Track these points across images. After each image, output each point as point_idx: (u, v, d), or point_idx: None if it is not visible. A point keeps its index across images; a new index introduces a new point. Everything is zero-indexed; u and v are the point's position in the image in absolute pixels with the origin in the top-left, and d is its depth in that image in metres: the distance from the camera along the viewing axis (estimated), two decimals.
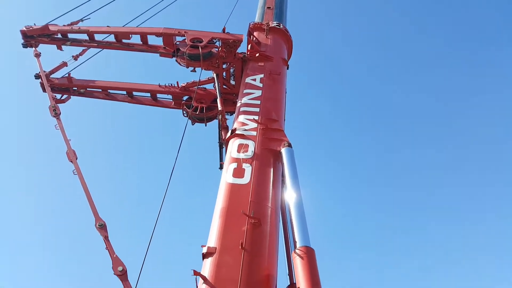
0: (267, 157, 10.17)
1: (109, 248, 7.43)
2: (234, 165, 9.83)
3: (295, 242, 8.23)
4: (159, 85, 15.21)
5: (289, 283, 9.13)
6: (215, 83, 13.91)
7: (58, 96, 14.80)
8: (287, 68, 14.17)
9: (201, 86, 14.74)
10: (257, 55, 13.40)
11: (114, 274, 7.13)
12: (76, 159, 10.26)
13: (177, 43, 14.12)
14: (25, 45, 14.96)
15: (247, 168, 9.62)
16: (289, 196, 9.00)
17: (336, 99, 49.17)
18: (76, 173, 9.75)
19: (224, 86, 14.53)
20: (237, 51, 13.77)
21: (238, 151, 10.11)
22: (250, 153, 9.98)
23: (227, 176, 9.63)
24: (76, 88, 15.38)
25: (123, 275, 7.10)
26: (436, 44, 48.33)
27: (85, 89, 15.49)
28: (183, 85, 14.86)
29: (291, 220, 8.66)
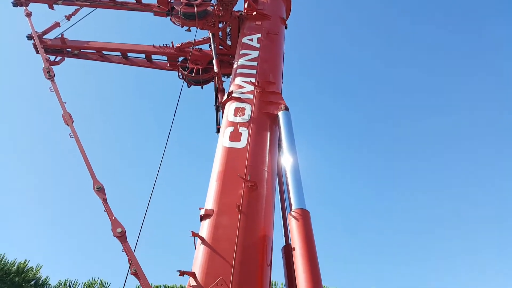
0: (264, 120, 10.12)
1: (108, 210, 7.54)
2: (231, 129, 9.80)
3: (290, 204, 8.37)
4: (154, 46, 14.86)
5: (284, 244, 9.38)
6: (210, 44, 13.58)
7: (52, 58, 14.51)
8: (285, 28, 13.79)
9: (197, 47, 14.39)
10: (254, 13, 12.97)
11: (114, 235, 7.29)
12: (72, 122, 10.20)
13: (172, 1, 13.63)
14: (15, 4, 14.50)
15: (244, 132, 9.60)
16: (286, 159, 9.05)
17: (337, 61, 48.58)
18: (72, 136, 9.72)
19: (220, 47, 14.19)
20: (233, 9, 13.33)
21: (235, 115, 10.04)
22: (246, 116, 9.92)
23: (223, 140, 9.63)
24: (70, 50, 15.05)
25: (122, 237, 7.26)
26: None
27: (79, 51, 15.16)
28: (178, 45, 14.51)
29: (287, 183, 8.75)
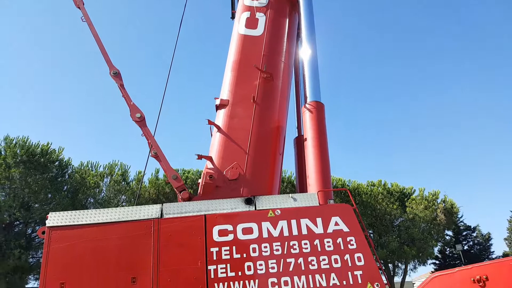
0: (283, 5, 9.53)
1: (125, 95, 7.59)
2: (247, 14, 9.32)
3: (305, 96, 8.36)
4: None
5: (297, 135, 9.63)
6: None
7: None
8: None
9: None
10: None
11: (133, 120, 7.47)
12: (83, 4, 9.74)
13: None
14: None
15: (261, 18, 9.15)
16: (304, 50, 8.77)
17: None
18: (84, 19, 9.37)
19: None
20: None
21: None
22: (264, 0, 9.36)
23: (239, 27, 9.24)
24: None
25: (141, 121, 7.43)
26: None
27: None
28: None
29: (303, 75, 8.62)
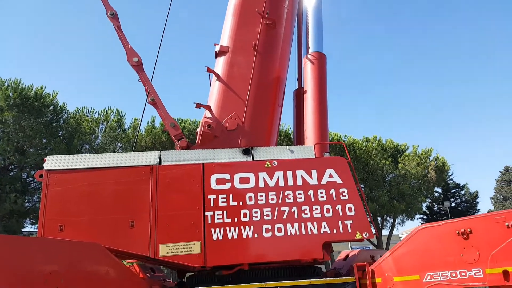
0: None
1: (123, 38, 7.35)
2: None
3: (308, 47, 8.18)
4: None
5: (297, 87, 9.51)
6: None
7: None
8: None
9: None
10: None
11: (130, 64, 7.30)
12: None
13: None
14: None
15: None
16: None
17: None
18: None
19: None
20: None
21: None
22: None
23: None
24: None
25: (138, 66, 7.26)
26: None
27: None
28: None
29: (307, 24, 8.37)
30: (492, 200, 50.07)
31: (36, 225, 22.49)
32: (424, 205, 34.00)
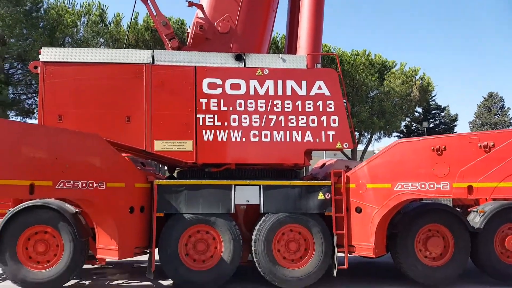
0: None
1: None
2: None
3: None
4: None
5: None
6: None
7: None
8: None
9: None
10: None
11: None
12: None
13: None
14: None
15: None
16: None
17: None
18: None
19: None
20: None
21: None
22: None
23: None
24: None
25: None
26: None
27: None
28: None
29: None
30: (471, 125, 51.90)
31: (21, 117, 22.63)
32: (403, 123, 35.15)
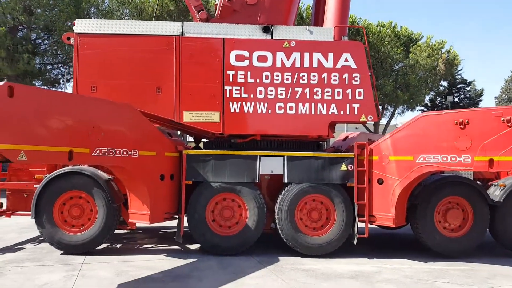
0: None
1: None
2: None
3: None
4: None
5: None
6: None
7: None
8: None
9: None
10: None
11: None
12: None
13: None
14: None
15: None
16: None
17: None
18: None
19: None
20: None
21: None
22: None
23: None
24: None
25: None
26: None
27: None
28: None
29: None
30: (496, 100, 50.24)
31: (46, 87, 23.18)
32: (427, 97, 34.41)
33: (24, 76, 20.36)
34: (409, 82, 25.67)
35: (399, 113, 30.72)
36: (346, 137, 8.27)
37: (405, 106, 29.08)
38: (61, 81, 24.19)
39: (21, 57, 18.59)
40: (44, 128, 4.86)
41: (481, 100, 41.92)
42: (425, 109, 38.41)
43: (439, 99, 39.15)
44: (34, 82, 22.23)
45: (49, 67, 23.15)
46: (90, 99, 5.78)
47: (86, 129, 5.30)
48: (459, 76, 40.11)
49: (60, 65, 23.27)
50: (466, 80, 41.62)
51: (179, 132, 9.65)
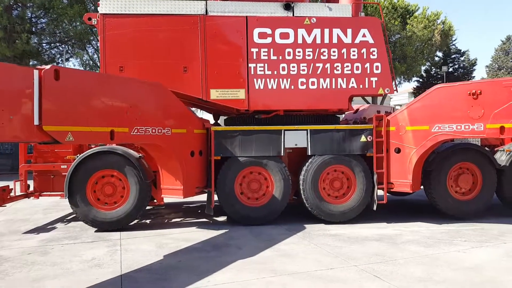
0: None
1: None
2: None
3: None
4: None
5: None
6: None
7: None
8: None
9: None
10: None
11: None
12: None
13: None
14: None
15: None
16: None
17: None
18: None
19: None
20: None
21: None
22: None
23: None
24: None
25: None
26: None
27: None
28: None
29: None
30: (487, 69, 50.73)
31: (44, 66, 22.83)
32: (423, 68, 34.67)
33: (22, 56, 20.10)
34: (406, 54, 25.87)
35: (396, 84, 30.98)
36: (357, 110, 8.60)
37: (402, 77, 29.35)
38: (59, 60, 23.90)
39: (19, 37, 18.33)
40: (88, 109, 5.07)
41: (474, 70, 42.33)
42: (421, 80, 38.73)
43: (434, 69, 39.41)
44: (30, 62, 21.95)
45: (46, 46, 22.83)
46: (127, 79, 5.95)
47: (125, 109, 5.53)
48: (454, 47, 40.29)
49: (58, 44, 22.93)
50: (460, 50, 41.87)
51: (193, 109, 9.87)
